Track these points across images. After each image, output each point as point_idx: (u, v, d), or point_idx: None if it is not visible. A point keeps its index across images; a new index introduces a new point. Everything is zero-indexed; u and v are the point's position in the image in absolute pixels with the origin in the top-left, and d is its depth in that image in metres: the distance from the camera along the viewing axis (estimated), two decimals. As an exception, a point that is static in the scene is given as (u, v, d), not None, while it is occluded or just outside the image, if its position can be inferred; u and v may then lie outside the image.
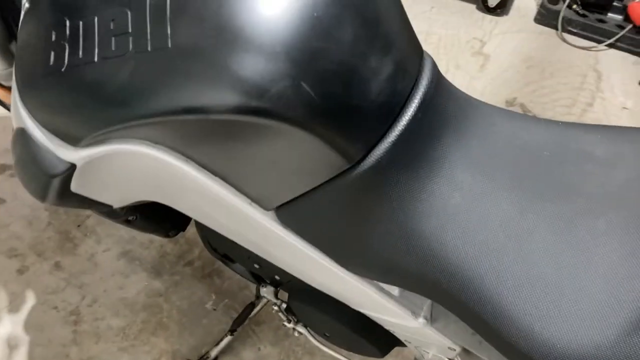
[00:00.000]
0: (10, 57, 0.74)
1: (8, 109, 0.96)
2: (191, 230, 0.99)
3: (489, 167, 0.56)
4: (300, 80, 0.47)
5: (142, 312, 1.25)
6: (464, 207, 0.54)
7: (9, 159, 1.48)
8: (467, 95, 0.61)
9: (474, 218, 0.54)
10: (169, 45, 0.47)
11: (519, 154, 0.58)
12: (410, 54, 0.54)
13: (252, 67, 0.46)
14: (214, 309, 1.26)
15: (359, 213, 0.56)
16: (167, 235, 0.98)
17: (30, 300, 1.25)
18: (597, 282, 0.50)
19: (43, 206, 1.40)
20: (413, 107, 0.52)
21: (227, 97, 0.46)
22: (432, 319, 0.69)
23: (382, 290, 0.66)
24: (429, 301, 0.68)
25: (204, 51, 0.46)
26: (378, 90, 0.50)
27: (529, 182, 0.56)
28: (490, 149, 0.57)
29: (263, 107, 0.46)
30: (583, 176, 0.57)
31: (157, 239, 1.35)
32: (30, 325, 1.22)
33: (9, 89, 0.81)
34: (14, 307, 1.24)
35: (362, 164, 0.52)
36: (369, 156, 0.52)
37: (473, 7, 2.02)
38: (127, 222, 0.87)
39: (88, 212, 1.38)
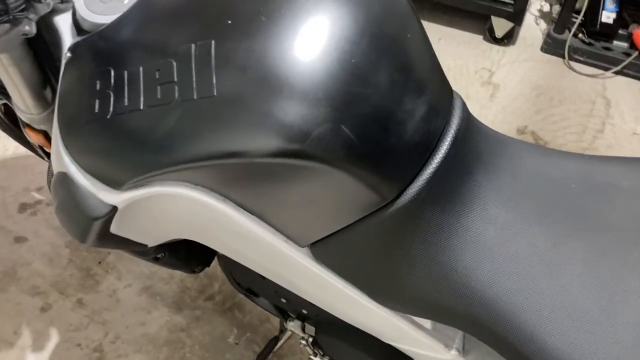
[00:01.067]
0: (44, 103, 0.76)
1: (35, 151, 0.99)
2: (211, 264, 1.01)
3: (520, 201, 0.57)
4: (340, 123, 0.49)
5: (164, 348, 1.26)
6: (497, 242, 0.56)
7: (29, 198, 1.50)
8: (494, 131, 0.63)
9: (507, 252, 0.55)
10: (215, 93, 0.49)
11: (549, 187, 0.59)
12: (442, 94, 0.56)
13: (295, 112, 0.48)
14: (236, 343, 1.27)
15: (393, 249, 0.58)
16: (192, 271, 1.00)
17: (53, 338, 1.26)
18: (632, 314, 0.51)
19: (64, 244, 1.41)
20: (446, 146, 0.54)
21: (271, 142, 0.48)
22: (464, 351, 0.70)
23: (415, 323, 0.67)
24: (461, 333, 0.69)
25: (249, 98, 0.48)
26: (413, 131, 0.52)
27: (559, 216, 0.57)
28: (520, 184, 0.59)
29: (305, 150, 0.48)
30: (612, 208, 0.58)
31: (178, 274, 1.36)
32: (54, 364, 1.23)
33: (39, 132, 0.84)
34: (37, 345, 1.25)
35: (397, 201, 0.54)
36: (403, 194, 0.53)
37: (480, 37, 2.06)
38: (156, 260, 0.88)
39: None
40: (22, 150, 1.06)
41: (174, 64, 0.52)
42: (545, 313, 0.53)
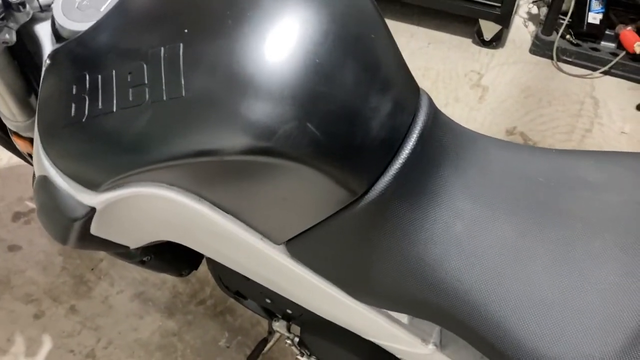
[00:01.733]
0: (29, 110, 0.78)
1: (25, 159, 1.00)
2: (202, 269, 1.02)
3: (487, 195, 0.59)
4: (306, 121, 0.50)
5: (157, 352, 1.27)
6: (465, 234, 0.57)
7: (23, 207, 1.52)
8: (463, 127, 0.64)
9: (475, 244, 0.57)
10: (183, 94, 0.51)
11: (516, 181, 0.60)
12: (407, 91, 0.57)
13: (262, 111, 0.49)
14: (228, 347, 1.28)
15: (365, 244, 0.59)
16: (180, 275, 1.01)
17: (47, 344, 1.27)
18: (596, 301, 0.52)
19: (57, 251, 1.43)
20: (412, 141, 0.56)
21: (239, 140, 0.50)
22: (441, 345, 0.71)
23: (391, 318, 0.68)
24: (438, 327, 0.70)
25: (217, 98, 0.50)
26: (378, 127, 0.53)
27: (527, 209, 0.58)
28: (487, 177, 0.60)
29: (272, 147, 0.50)
30: (578, 201, 0.59)
31: (170, 279, 1.37)
32: (47, 370, 1.24)
33: (27, 139, 0.85)
34: (31, 352, 1.26)
35: (365, 196, 0.55)
36: (372, 189, 0.55)
37: (469, 41, 2.08)
38: (142, 263, 0.89)
39: (101, 255, 1.41)
40: (15, 160, 1.08)
41: (145, 66, 0.53)
42: (511, 304, 0.54)
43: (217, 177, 0.56)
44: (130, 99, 0.53)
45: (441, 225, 0.57)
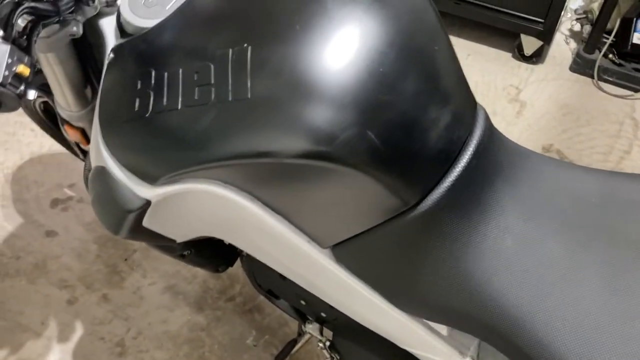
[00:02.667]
0: (84, 101, 0.80)
1: (70, 148, 1.03)
2: (234, 265, 1.03)
3: (539, 213, 0.59)
4: (366, 129, 0.51)
5: (184, 346, 1.28)
6: (514, 251, 0.57)
7: (61, 194, 1.55)
8: (516, 144, 0.64)
9: (524, 262, 0.57)
10: (249, 96, 0.52)
11: (568, 201, 0.60)
12: (466, 105, 0.58)
13: (324, 116, 0.50)
14: (255, 345, 1.29)
15: (413, 254, 0.60)
16: (216, 270, 1.02)
17: (78, 330, 1.30)
18: (645, 327, 0.52)
19: (92, 239, 1.46)
20: (468, 155, 0.56)
21: (300, 144, 0.51)
22: (479, 359, 0.71)
23: (431, 329, 0.68)
24: (476, 341, 0.70)
25: (281, 102, 0.51)
26: (436, 139, 0.54)
27: (577, 229, 0.58)
28: (539, 195, 0.60)
29: (332, 153, 0.51)
30: (630, 224, 0.59)
31: (201, 274, 1.39)
32: (78, 355, 1.26)
33: (78, 129, 0.87)
34: (63, 336, 1.29)
35: (418, 207, 0.56)
36: (425, 200, 0.55)
37: (509, 55, 2.06)
38: (182, 257, 0.91)
39: (135, 245, 1.43)
40: (57, 147, 1.11)
41: (212, 67, 0.55)
42: (558, 324, 0.54)
43: (272, 179, 0.57)
44: (196, 97, 0.54)
45: (491, 240, 0.58)
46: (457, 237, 0.57)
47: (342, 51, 0.52)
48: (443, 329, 0.69)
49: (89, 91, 0.80)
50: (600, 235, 0.58)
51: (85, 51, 0.75)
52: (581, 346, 0.53)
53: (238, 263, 1.04)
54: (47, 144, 1.62)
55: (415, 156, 0.54)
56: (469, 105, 0.58)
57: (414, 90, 0.53)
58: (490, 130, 0.59)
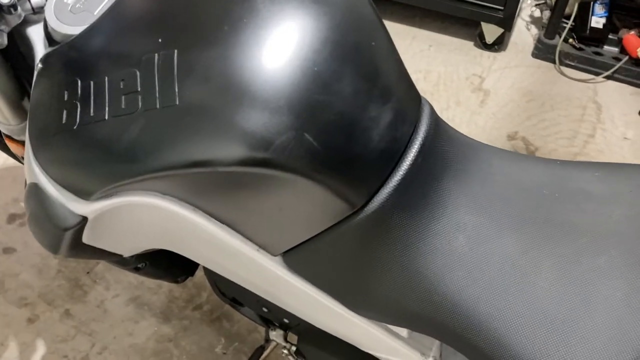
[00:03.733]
0: (22, 113, 0.76)
1: (20, 161, 0.99)
2: (199, 274, 1.00)
3: (490, 208, 0.57)
4: (304, 131, 0.49)
5: (152, 358, 1.25)
6: (467, 248, 0.56)
7: (18, 209, 1.50)
8: (465, 137, 0.62)
9: (478, 258, 0.55)
10: (177, 103, 0.49)
11: (519, 194, 0.59)
12: (409, 101, 0.56)
13: (257, 121, 0.48)
14: (224, 353, 1.26)
15: (364, 257, 0.58)
16: (176, 281, 0.99)
17: (40, 349, 1.25)
18: (602, 319, 0.51)
19: (53, 254, 1.41)
20: (413, 153, 0.54)
21: (234, 150, 0.48)
22: (441, 359, 0.69)
23: (390, 332, 0.67)
24: (437, 342, 0.69)
25: (211, 107, 0.48)
26: (378, 138, 0.52)
27: (530, 222, 0.57)
28: (490, 189, 0.58)
29: (269, 158, 0.48)
30: (582, 214, 0.58)
31: (166, 284, 1.35)
32: (40, 375, 1.22)
33: (20, 143, 0.84)
34: (24, 357, 1.24)
35: (365, 209, 0.53)
36: (371, 201, 0.53)
37: (471, 44, 2.06)
38: (137, 270, 0.88)
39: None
40: (11, 161, 1.06)
41: (138, 73, 0.52)
42: (515, 320, 0.52)
43: (211, 188, 0.55)
44: (123, 106, 0.52)
45: (443, 239, 0.56)
46: (408, 237, 0.56)
47: (273, 51, 0.50)
48: (403, 331, 0.67)
49: (26, 103, 0.76)
50: (553, 227, 0.57)
51: (18, 62, 0.71)
52: (540, 342, 0.51)
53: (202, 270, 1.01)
54: (0, 158, 1.56)
55: (357, 157, 0.51)
56: (412, 100, 0.56)
57: (351, 88, 0.51)
58: (436, 125, 0.57)
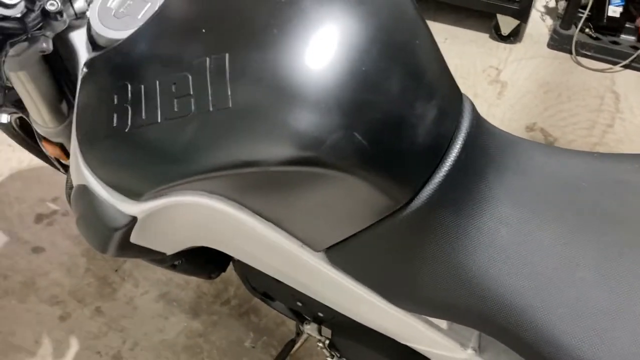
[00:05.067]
0: (60, 116, 0.78)
1: (51, 163, 1.01)
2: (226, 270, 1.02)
3: (532, 201, 0.58)
4: (353, 130, 0.50)
5: (182, 354, 1.27)
6: (510, 241, 0.57)
7: (45, 209, 1.52)
8: (504, 132, 0.63)
9: (521, 251, 0.56)
10: (230, 105, 0.51)
11: (559, 187, 0.60)
12: (451, 98, 0.57)
13: (308, 121, 0.49)
14: (253, 347, 1.28)
15: (408, 252, 0.59)
16: (209, 277, 1.01)
17: (73, 346, 1.28)
18: (646, 309, 0.52)
19: (81, 253, 1.43)
20: (457, 149, 0.55)
21: (286, 150, 0.50)
22: (480, 350, 0.70)
23: (430, 323, 0.68)
24: (477, 332, 0.70)
25: (263, 109, 0.50)
26: (424, 135, 0.53)
27: (571, 214, 0.58)
28: (531, 183, 0.60)
29: (319, 157, 0.50)
30: (622, 206, 0.59)
31: (194, 280, 1.37)
32: (74, 372, 1.25)
33: (56, 144, 0.85)
34: (58, 354, 1.27)
35: (410, 205, 0.55)
36: (416, 198, 0.54)
37: (486, 36, 2.06)
38: (173, 267, 0.89)
39: (125, 256, 1.41)
40: (36, 161, 1.08)
41: (190, 77, 0.53)
42: (558, 311, 0.53)
43: (260, 187, 0.56)
44: (176, 109, 0.53)
45: (486, 233, 0.57)
46: (451, 231, 0.57)
47: (322, 52, 0.51)
48: (443, 322, 0.68)
49: (64, 106, 0.78)
50: (593, 219, 0.58)
51: (57, 66, 0.73)
52: (583, 332, 0.52)
53: (230, 266, 1.03)
54: (26, 158, 1.59)
55: (404, 154, 0.53)
56: (455, 97, 0.57)
57: (398, 87, 0.52)
58: (477, 121, 0.58)
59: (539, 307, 0.54)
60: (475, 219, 0.57)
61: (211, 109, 0.51)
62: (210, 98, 0.51)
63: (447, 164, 0.55)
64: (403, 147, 0.52)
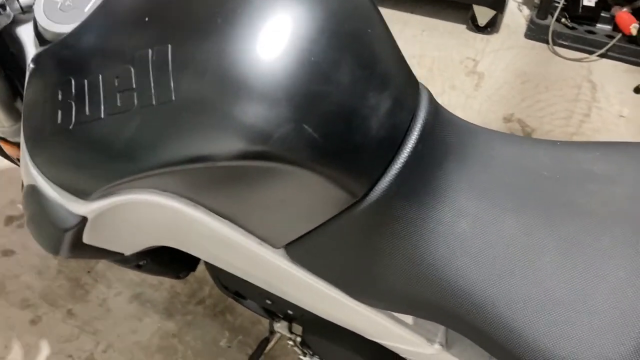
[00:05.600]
0: (16, 115, 0.75)
1: (16, 163, 0.98)
2: (200, 268, 1.00)
3: (492, 192, 0.57)
4: (302, 122, 0.48)
5: (157, 355, 1.25)
6: (470, 233, 0.55)
7: (15, 211, 1.50)
8: (464, 121, 0.62)
9: (481, 243, 0.55)
10: (173, 98, 0.49)
11: (520, 176, 0.59)
12: (407, 88, 0.55)
13: (256, 113, 0.47)
14: (229, 347, 1.26)
15: (367, 246, 0.57)
16: (177, 277, 0.99)
17: (44, 350, 1.25)
18: (606, 299, 0.51)
19: (52, 255, 1.41)
20: (413, 139, 0.54)
21: (233, 144, 0.48)
22: (447, 345, 0.69)
23: (395, 319, 0.67)
24: (443, 327, 0.69)
25: (208, 102, 0.48)
26: (378, 126, 0.51)
27: (532, 204, 0.57)
28: (491, 173, 0.58)
29: (268, 151, 0.48)
30: (584, 194, 0.58)
31: (167, 280, 1.35)
32: (46, 376, 1.22)
33: (15, 144, 0.83)
34: (29, 358, 1.24)
35: (367, 198, 0.53)
36: (373, 190, 0.53)
37: (463, 27, 2.05)
38: (138, 267, 0.87)
39: (97, 257, 1.39)
40: (6, 163, 1.06)
41: (132, 70, 0.51)
42: (520, 302, 0.52)
43: (211, 183, 0.54)
44: (119, 104, 0.51)
45: (445, 225, 0.56)
46: (410, 224, 0.55)
47: (269, 42, 0.49)
48: (408, 318, 0.67)
49: (19, 104, 0.75)
50: (555, 209, 0.56)
51: (8, 63, 0.70)
52: (544, 324, 0.51)
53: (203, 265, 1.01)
54: (-4, 160, 1.55)
55: (358, 146, 0.51)
56: (411, 87, 0.56)
57: (349, 77, 0.50)
58: (435, 110, 0.57)
59: (500, 299, 0.53)
60: (433, 210, 0.55)
61: (154, 102, 0.49)
62: (153, 91, 0.49)
63: (404, 155, 0.53)
64: (356, 139, 0.51)
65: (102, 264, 1.39)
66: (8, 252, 1.41)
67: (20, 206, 1.49)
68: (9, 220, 1.47)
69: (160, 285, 1.35)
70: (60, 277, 1.37)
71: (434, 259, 0.55)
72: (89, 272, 1.38)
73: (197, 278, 1.35)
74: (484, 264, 0.54)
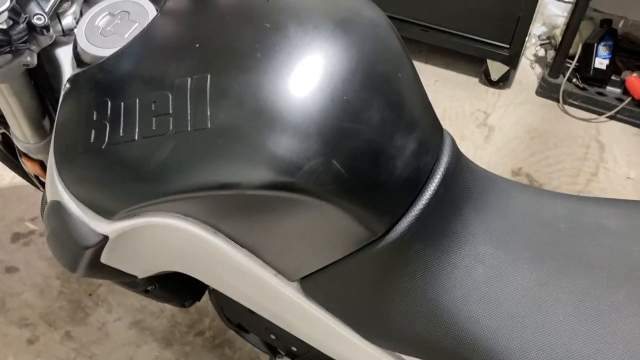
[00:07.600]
0: (42, 132, 0.77)
1: (30, 181, 0.99)
2: (203, 299, 1.00)
3: (509, 240, 0.58)
4: (331, 157, 0.49)
5: (152, 384, 1.24)
6: (485, 280, 0.56)
7: (22, 228, 1.50)
8: (484, 169, 0.63)
9: (496, 291, 0.56)
10: (209, 126, 0.50)
11: (537, 227, 0.60)
12: (432, 132, 0.57)
13: (287, 146, 0.49)
14: (225, 381, 1.25)
15: (382, 285, 0.58)
16: (182, 305, 0.99)
17: (39, 371, 1.24)
18: (620, 355, 0.51)
19: (55, 275, 1.40)
20: (435, 183, 0.55)
21: (263, 174, 0.49)
22: (454, 392, 0.69)
23: (404, 362, 0.66)
24: (451, 373, 0.68)
25: (243, 131, 0.49)
26: (403, 167, 0.53)
27: (548, 255, 0.57)
28: (509, 222, 0.59)
29: (296, 183, 0.49)
30: (600, 249, 0.58)
31: (168, 308, 1.34)
32: (38, 398, 1.20)
33: (36, 161, 0.84)
34: (23, 378, 1.23)
35: (386, 237, 0.54)
36: (393, 230, 0.54)
37: (476, 80, 2.09)
38: (146, 292, 0.87)
39: (100, 280, 1.38)
40: (18, 180, 1.07)
41: (170, 96, 0.53)
42: (532, 354, 0.52)
43: (235, 211, 0.55)
44: (154, 128, 0.52)
45: (461, 270, 0.56)
46: (427, 267, 0.56)
47: (304, 79, 0.51)
48: (416, 361, 0.67)
49: (47, 122, 0.77)
50: (570, 261, 0.57)
51: (41, 81, 0.72)
52: (556, 377, 0.51)
53: (206, 296, 1.01)
54: (7, 176, 1.57)
55: (382, 185, 0.52)
56: (435, 131, 0.57)
57: (379, 117, 0.52)
58: (457, 156, 0.58)
59: (511, 349, 0.53)
60: (451, 254, 0.56)
61: (189, 128, 0.51)
62: (189, 118, 0.51)
63: (425, 198, 0.54)
64: (381, 177, 0.52)
65: (104, 288, 1.38)
66: (12, 269, 1.41)
67: (28, 224, 1.50)
68: (16, 237, 1.48)
69: (161, 313, 1.34)
70: (61, 298, 1.36)
71: (448, 304, 0.56)
72: (90, 295, 1.37)
73: (198, 309, 1.34)
74: (498, 312, 0.55)
